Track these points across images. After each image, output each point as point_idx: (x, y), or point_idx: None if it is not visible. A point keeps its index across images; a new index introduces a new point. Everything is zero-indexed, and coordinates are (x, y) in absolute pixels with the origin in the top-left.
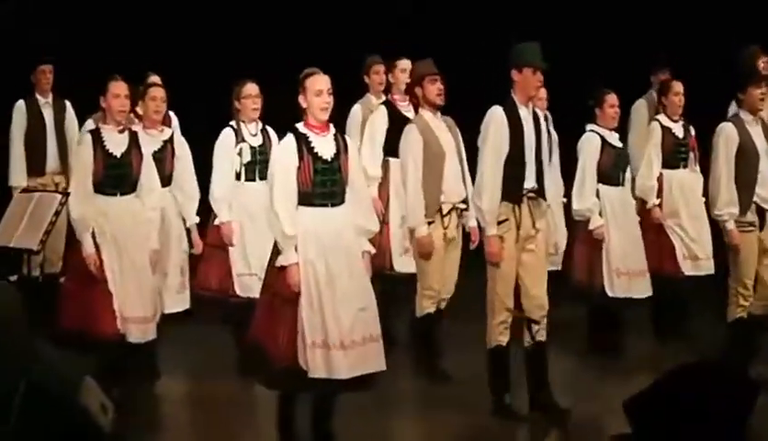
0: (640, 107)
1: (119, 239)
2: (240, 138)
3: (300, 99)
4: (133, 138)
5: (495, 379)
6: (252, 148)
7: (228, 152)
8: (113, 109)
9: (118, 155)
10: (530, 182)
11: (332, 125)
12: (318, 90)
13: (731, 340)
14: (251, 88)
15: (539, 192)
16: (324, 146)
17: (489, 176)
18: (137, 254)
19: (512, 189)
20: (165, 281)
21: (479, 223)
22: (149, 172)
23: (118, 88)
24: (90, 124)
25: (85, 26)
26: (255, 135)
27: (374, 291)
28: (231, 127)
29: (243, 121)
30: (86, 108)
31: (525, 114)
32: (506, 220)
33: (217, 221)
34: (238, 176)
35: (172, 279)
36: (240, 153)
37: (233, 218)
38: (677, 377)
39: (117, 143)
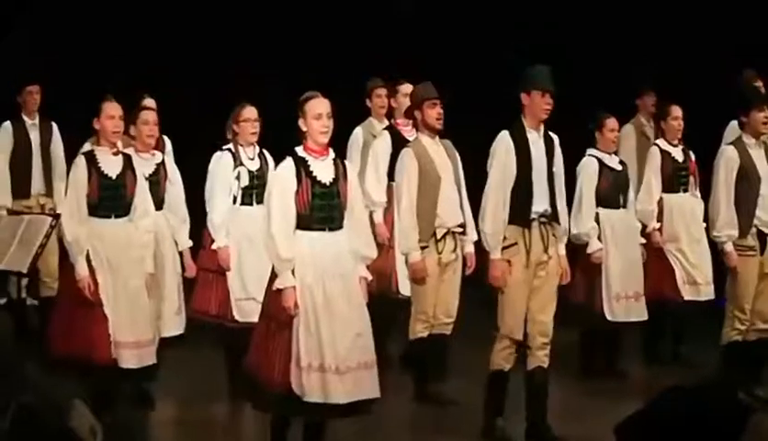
0: (628, 133)
1: (113, 262)
2: (238, 162)
3: (300, 123)
4: (128, 160)
5: (490, 402)
6: (249, 172)
7: (226, 176)
8: (107, 131)
9: (114, 177)
10: (541, 205)
11: (331, 149)
12: (317, 114)
13: (725, 363)
14: (250, 112)
15: (553, 216)
16: (323, 170)
17: (492, 200)
18: (131, 278)
19: (520, 213)
20: (164, 305)
21: (476, 249)
22: (143, 195)
23: (113, 109)
24: (88, 148)
25: (76, 47)
26: (253, 159)
27: (378, 314)
28: (229, 150)
29: (242, 145)
30: (74, 130)
31: (534, 138)
32: (514, 244)
33: (214, 246)
34: (234, 200)
35: (169, 303)
36: (238, 177)
37: (231, 242)
38: (667, 400)
39: (111, 165)
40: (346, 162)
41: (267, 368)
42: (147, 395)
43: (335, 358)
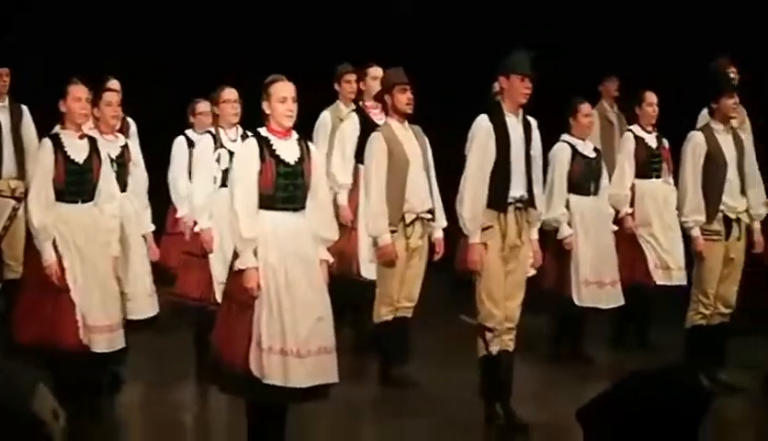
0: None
1: (82, 247)
2: (218, 143)
3: (264, 106)
4: (93, 144)
5: (486, 388)
6: (231, 153)
7: (207, 158)
8: (74, 113)
9: (80, 161)
10: (518, 190)
11: (294, 131)
12: (282, 97)
13: (688, 347)
14: (229, 93)
15: (529, 201)
16: (287, 150)
17: (471, 184)
18: (99, 262)
19: (497, 197)
20: (135, 287)
21: (444, 235)
22: (108, 178)
23: (79, 91)
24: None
25: (44, 29)
26: (235, 141)
27: (342, 297)
28: (210, 132)
29: (222, 127)
30: (44, 114)
31: (513, 122)
32: (490, 226)
33: (197, 228)
34: (216, 182)
35: (140, 285)
36: (218, 159)
37: (212, 224)
38: (628, 385)
39: (78, 149)
40: (311, 143)
41: (230, 351)
42: (117, 379)
43: (296, 342)
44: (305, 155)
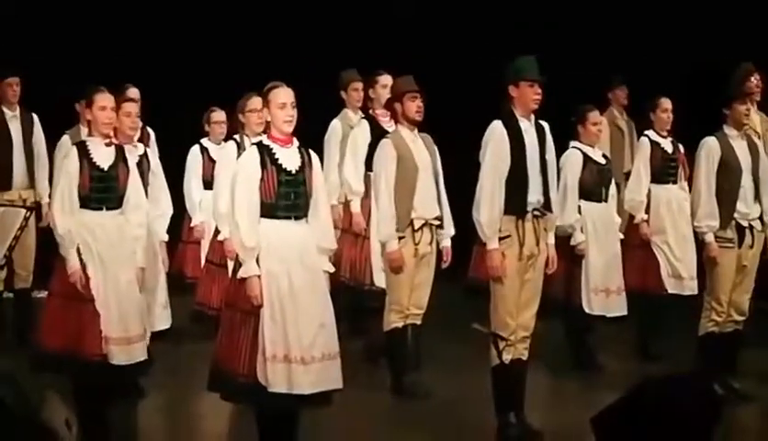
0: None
1: (105, 256)
2: (242, 151)
3: (264, 112)
4: (120, 152)
5: (499, 398)
6: None
7: (230, 166)
8: (99, 122)
9: (105, 168)
10: (535, 195)
11: (295, 138)
12: (281, 103)
13: (700, 354)
14: (256, 102)
15: (546, 205)
16: (289, 158)
17: (487, 190)
18: (122, 272)
19: (515, 203)
20: (155, 299)
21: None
22: (136, 188)
23: (105, 100)
24: (66, 140)
25: (56, 39)
26: None
27: (354, 305)
28: (234, 140)
29: (247, 135)
30: (55, 122)
31: (526, 126)
32: (508, 236)
33: (220, 237)
34: None
35: (160, 297)
36: None
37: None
38: (642, 391)
39: (104, 156)
40: (312, 152)
41: (233, 359)
42: (137, 389)
43: (300, 349)
44: (306, 163)
